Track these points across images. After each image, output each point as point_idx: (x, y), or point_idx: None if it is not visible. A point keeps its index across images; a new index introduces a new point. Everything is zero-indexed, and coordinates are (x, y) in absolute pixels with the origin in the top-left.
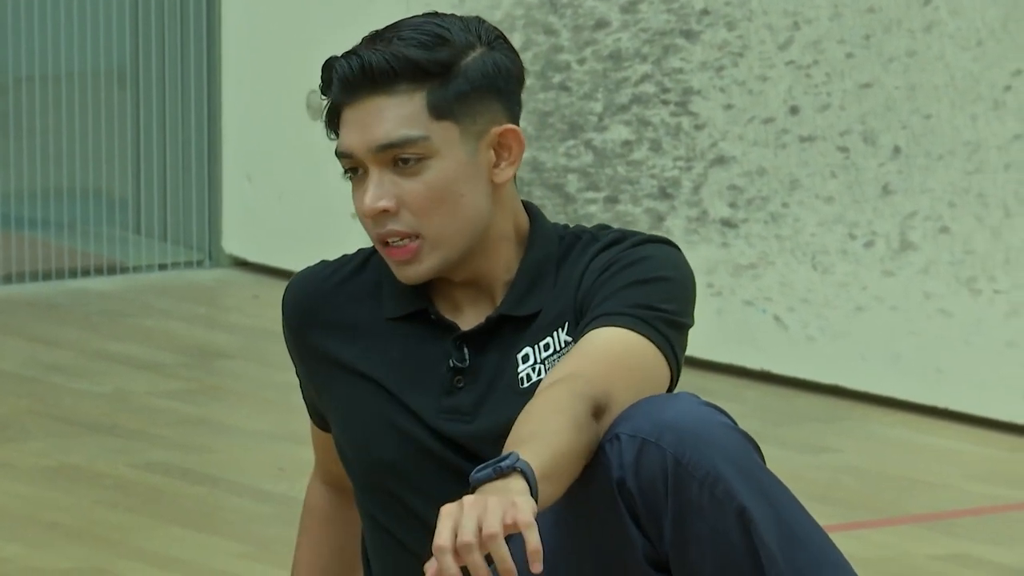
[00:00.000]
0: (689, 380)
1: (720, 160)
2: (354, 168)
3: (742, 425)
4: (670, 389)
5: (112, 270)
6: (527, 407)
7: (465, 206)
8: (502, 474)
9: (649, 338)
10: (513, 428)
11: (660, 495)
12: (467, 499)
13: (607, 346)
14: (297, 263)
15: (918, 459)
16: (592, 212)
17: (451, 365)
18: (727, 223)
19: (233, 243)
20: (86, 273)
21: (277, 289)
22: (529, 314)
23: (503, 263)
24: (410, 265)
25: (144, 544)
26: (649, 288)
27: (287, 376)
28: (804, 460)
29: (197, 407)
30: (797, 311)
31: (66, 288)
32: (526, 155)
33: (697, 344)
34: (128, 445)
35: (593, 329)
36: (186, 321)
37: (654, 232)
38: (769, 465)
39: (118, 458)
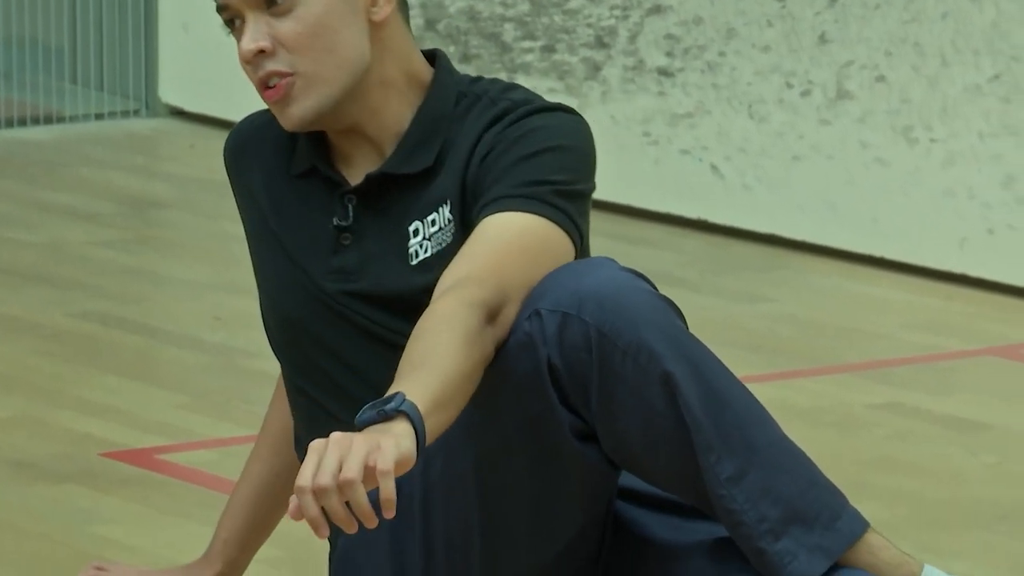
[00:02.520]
0: (626, 230)
1: (657, 9)
2: (231, 20)
3: (679, 274)
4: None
5: (48, 120)
6: (418, 324)
7: (340, 43)
8: (387, 417)
9: (543, 215)
10: (405, 349)
11: (585, 367)
12: (334, 436)
13: (499, 236)
14: (234, 113)
15: (854, 308)
16: (529, 61)
17: (335, 223)
18: (664, 72)
19: (170, 92)
20: (22, 123)
21: (214, 139)
22: (414, 172)
23: (392, 114)
24: (287, 106)
25: (81, 393)
26: (537, 162)
27: (223, 226)
28: (741, 309)
29: (133, 257)
30: (734, 160)
31: (2, 138)
32: (462, 3)
33: (634, 193)
34: (65, 295)
35: (484, 218)
36: (123, 171)
37: (588, 82)
38: (705, 314)
39: (55, 308)
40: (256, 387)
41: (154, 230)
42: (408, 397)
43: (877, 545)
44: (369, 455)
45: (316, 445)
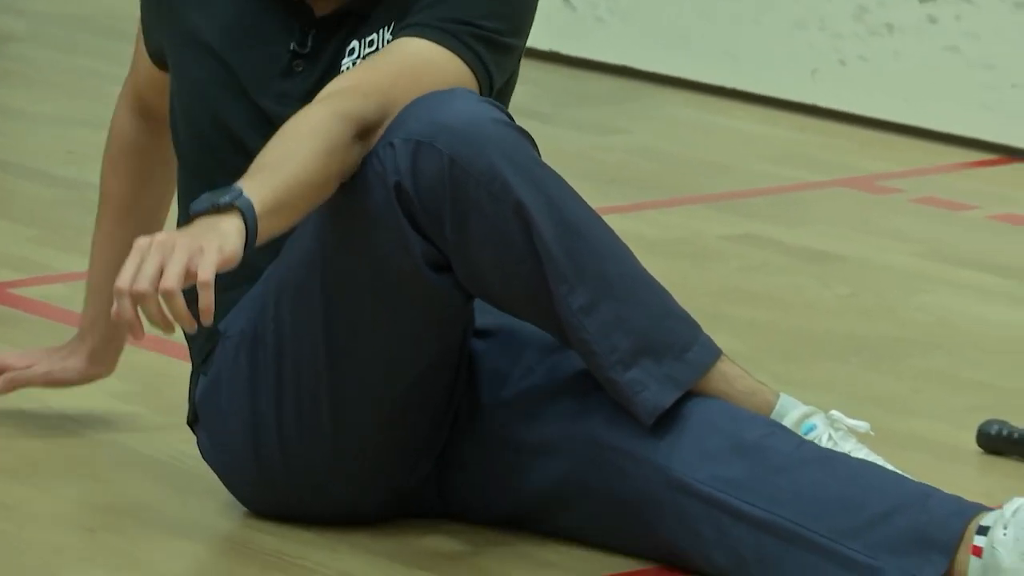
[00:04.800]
0: None
1: None
2: None
3: (533, 107)
4: None
5: None
6: (286, 124)
7: None
8: (219, 209)
9: (456, 52)
10: (263, 148)
11: (438, 196)
12: (158, 237)
13: (402, 58)
14: None
15: (708, 140)
16: None
17: (292, 48)
18: None
19: None
20: None
21: None
22: (371, 3)
23: None
24: None
25: None
26: (472, 2)
27: (78, 60)
28: (595, 141)
29: None
30: None
31: None
32: None
33: None
34: None
35: (397, 39)
36: None
37: None
38: (561, 147)
39: None
40: None
41: (6, 64)
42: (247, 193)
43: (731, 374)
44: (191, 259)
45: (140, 244)
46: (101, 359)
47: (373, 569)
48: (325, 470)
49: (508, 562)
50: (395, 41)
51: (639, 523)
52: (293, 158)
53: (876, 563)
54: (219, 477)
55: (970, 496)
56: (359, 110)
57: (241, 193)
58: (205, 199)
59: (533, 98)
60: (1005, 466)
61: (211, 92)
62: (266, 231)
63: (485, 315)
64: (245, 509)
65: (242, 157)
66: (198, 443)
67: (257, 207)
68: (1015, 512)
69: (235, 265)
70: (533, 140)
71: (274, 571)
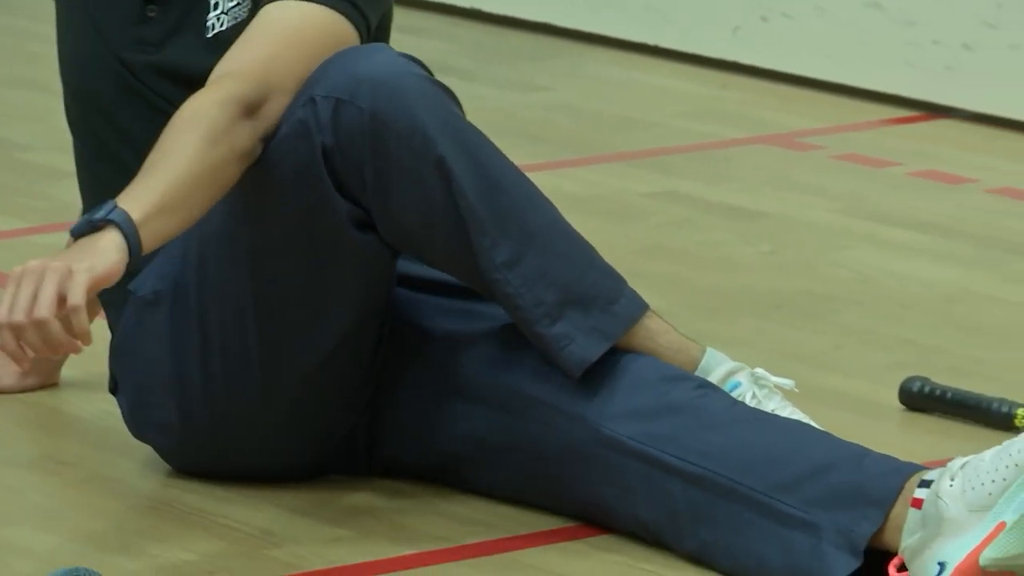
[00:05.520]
0: (400, 20)
1: None
2: None
3: (453, 63)
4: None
5: None
6: (171, 121)
7: None
8: (96, 227)
9: (324, 3)
10: (153, 147)
11: (359, 152)
12: (29, 266)
13: (276, 27)
14: None
15: (631, 97)
16: None
17: None
18: None
19: None
20: None
21: None
22: None
23: None
24: None
25: None
26: None
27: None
28: (517, 99)
29: None
30: None
31: None
32: None
33: None
34: None
35: (264, 6)
36: None
37: None
38: (482, 104)
39: None
40: (33, 180)
41: None
42: (123, 204)
43: (657, 329)
44: (61, 284)
45: (14, 274)
46: (37, 370)
47: (295, 527)
48: (252, 425)
49: (430, 519)
50: (264, 9)
51: (566, 478)
52: (173, 155)
53: (810, 518)
54: (140, 439)
55: (891, 452)
56: (239, 91)
57: (115, 207)
58: (82, 220)
59: (454, 55)
60: (927, 422)
61: (79, 49)
62: (157, 235)
63: (411, 264)
64: (167, 467)
65: (109, 124)
66: (120, 411)
67: (137, 215)
68: (963, 466)
69: (115, 280)
70: (454, 95)
71: (196, 528)
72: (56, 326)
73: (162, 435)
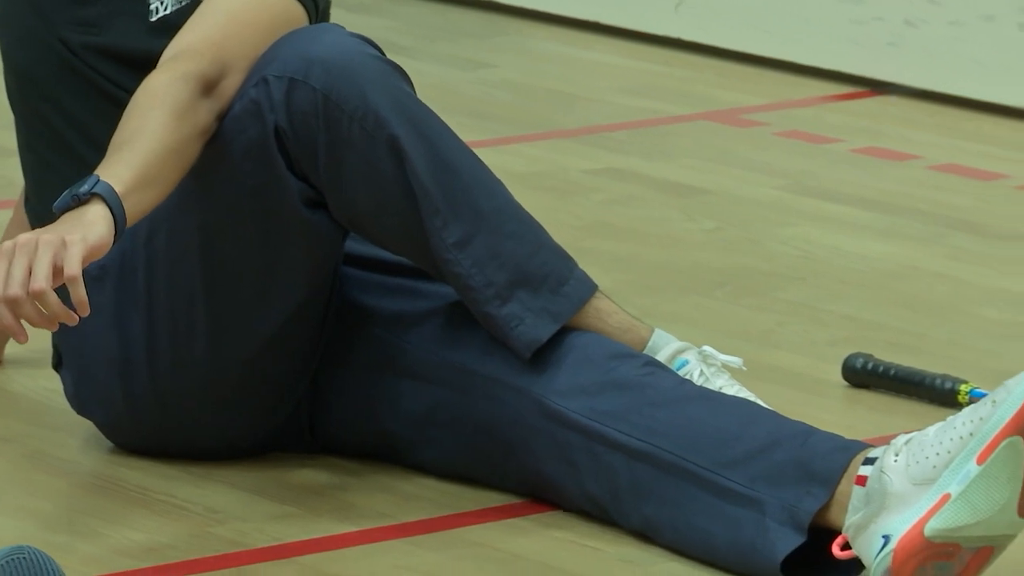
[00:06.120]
0: None
1: None
2: None
3: (396, 40)
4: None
5: None
6: (131, 100)
7: None
8: (81, 201)
9: None
10: (117, 128)
11: (312, 133)
12: (20, 239)
13: (225, 4)
14: None
15: (573, 73)
16: None
17: None
18: None
19: None
20: None
21: None
22: None
23: None
24: None
25: None
26: None
27: None
28: (459, 76)
29: None
30: None
31: None
32: None
33: None
34: None
35: None
36: None
37: None
38: (425, 82)
39: None
40: None
41: None
42: (105, 178)
43: (606, 310)
44: (56, 256)
45: (4, 249)
46: None
47: (239, 504)
48: (198, 402)
49: (375, 496)
50: None
51: (511, 453)
52: (144, 131)
53: (755, 494)
54: (84, 415)
55: (834, 429)
56: (197, 68)
57: (98, 180)
58: (66, 195)
59: (397, 32)
60: (870, 399)
61: (19, 27)
62: (137, 208)
63: (357, 243)
64: (110, 445)
65: (50, 104)
66: (64, 387)
67: (119, 188)
68: (908, 441)
69: (106, 251)
70: (406, 74)
71: (139, 507)
72: (54, 297)
73: (106, 412)
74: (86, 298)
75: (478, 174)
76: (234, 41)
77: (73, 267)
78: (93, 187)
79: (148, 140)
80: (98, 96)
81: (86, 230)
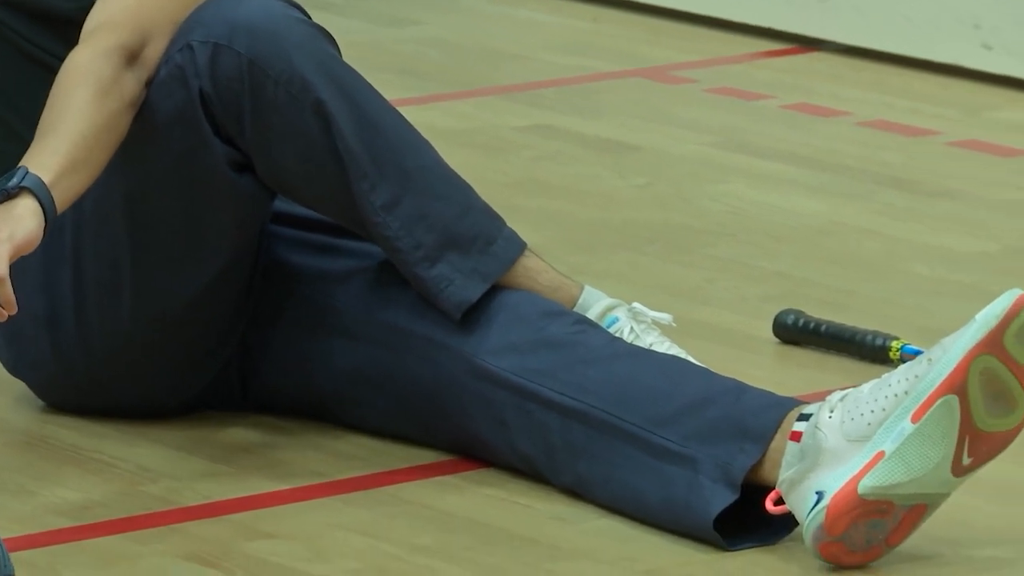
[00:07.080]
0: None
1: None
2: None
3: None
4: None
5: None
6: (56, 81)
7: None
8: (10, 195)
9: None
10: (43, 110)
11: (238, 98)
12: None
13: None
14: None
15: (502, 30)
16: None
17: None
18: None
19: None
20: None
21: None
22: None
23: None
24: None
25: None
26: None
27: None
28: (388, 33)
29: None
30: None
31: None
32: None
33: None
34: None
35: None
36: None
37: None
38: (352, 38)
39: None
40: None
41: None
42: (33, 168)
43: (535, 268)
44: None
45: None
46: None
47: (170, 463)
48: (125, 362)
49: (307, 454)
50: None
51: (442, 412)
52: (69, 113)
53: (688, 451)
54: (14, 375)
55: (765, 386)
56: (117, 40)
57: (27, 172)
58: None
59: None
60: (800, 356)
61: None
62: (67, 194)
63: (283, 202)
64: (41, 403)
65: None
66: None
67: (47, 177)
68: (843, 398)
69: (35, 247)
70: (332, 36)
71: (70, 465)
72: None
73: (36, 371)
74: (13, 298)
75: (405, 135)
76: (152, 7)
77: (0, 268)
78: (21, 180)
79: (74, 122)
80: (23, 59)
81: (14, 226)
